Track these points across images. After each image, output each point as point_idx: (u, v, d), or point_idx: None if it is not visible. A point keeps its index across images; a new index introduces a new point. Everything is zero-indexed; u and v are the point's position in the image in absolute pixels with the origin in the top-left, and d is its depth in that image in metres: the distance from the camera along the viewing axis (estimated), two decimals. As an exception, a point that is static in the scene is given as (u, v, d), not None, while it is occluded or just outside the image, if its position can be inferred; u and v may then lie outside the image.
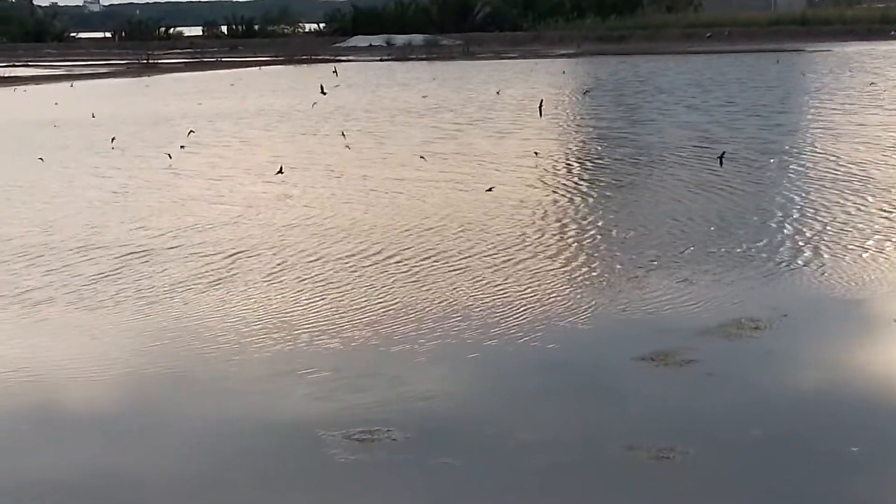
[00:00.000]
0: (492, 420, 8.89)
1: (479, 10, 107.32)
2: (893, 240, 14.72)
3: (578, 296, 12.51)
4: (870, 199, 17.71)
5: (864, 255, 13.93)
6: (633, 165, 22.85)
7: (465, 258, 14.43)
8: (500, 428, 8.68)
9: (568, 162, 23.91)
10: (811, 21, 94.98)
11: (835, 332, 10.99)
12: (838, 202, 17.49)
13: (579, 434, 8.52)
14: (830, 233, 15.27)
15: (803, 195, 18.34)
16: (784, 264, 13.66)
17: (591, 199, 18.91)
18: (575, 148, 26.75)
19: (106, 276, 14.01)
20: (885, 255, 13.89)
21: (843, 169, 20.93)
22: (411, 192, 19.85)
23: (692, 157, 23.55)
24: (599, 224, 16.56)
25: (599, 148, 26.05)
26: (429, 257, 14.55)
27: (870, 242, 14.62)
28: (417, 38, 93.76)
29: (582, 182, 21.01)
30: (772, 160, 22.51)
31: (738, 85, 43.14)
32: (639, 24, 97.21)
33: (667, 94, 40.27)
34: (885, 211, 16.67)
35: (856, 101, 34.46)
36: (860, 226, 15.66)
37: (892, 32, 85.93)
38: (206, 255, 15.01)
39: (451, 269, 13.89)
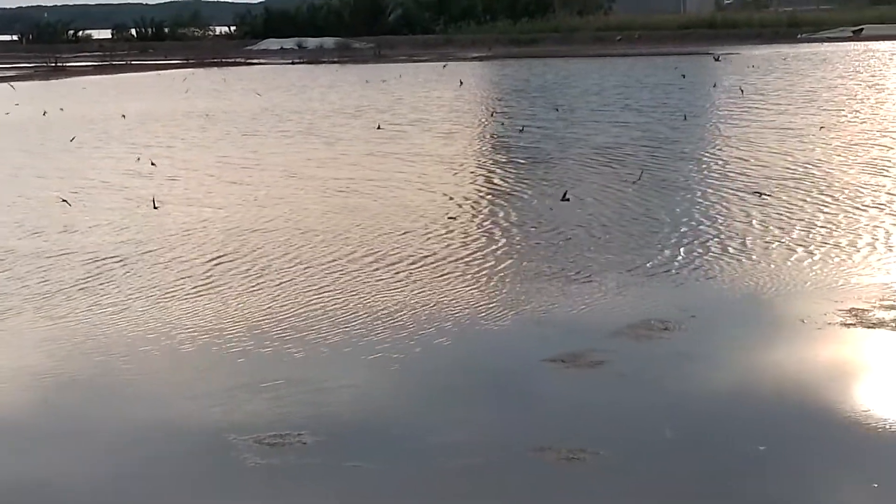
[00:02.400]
0: (403, 423, 8.88)
1: (392, 13, 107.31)
2: (801, 239, 14.87)
3: (489, 298, 12.52)
4: (779, 199, 17.88)
5: (773, 256, 14.06)
6: (551, 167, 22.90)
7: (376, 261, 14.41)
8: (412, 431, 8.67)
9: (491, 163, 23.96)
10: (720, 25, 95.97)
11: (743, 333, 11.08)
12: (748, 204, 17.64)
13: (489, 436, 8.53)
14: (739, 234, 15.40)
15: (714, 197, 18.49)
16: (692, 265, 13.77)
17: (508, 201, 18.93)
18: (502, 148, 26.84)
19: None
20: (793, 255, 14.03)
21: (753, 171, 21.12)
22: (331, 192, 19.81)
23: (613, 161, 23.66)
24: (515, 226, 16.59)
25: (528, 148, 26.17)
26: (343, 260, 14.51)
27: (777, 242, 14.77)
28: (329, 41, 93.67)
29: (502, 183, 21.04)
30: (687, 163, 22.69)
31: (663, 88, 43.49)
32: (550, 27, 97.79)
33: (598, 96, 40.58)
34: (792, 211, 16.84)
35: (777, 104, 34.85)
36: (769, 226, 15.81)
37: (800, 36, 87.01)
38: (117, 259, 14.88)
39: (364, 271, 13.86)
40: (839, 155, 22.89)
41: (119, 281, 13.73)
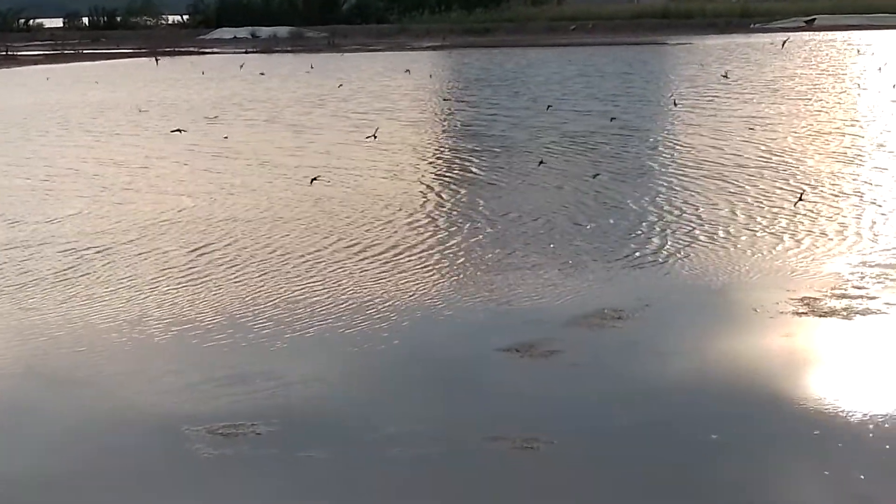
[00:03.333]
0: (356, 413, 8.87)
1: (345, 2, 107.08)
2: (754, 230, 14.94)
3: (444, 289, 12.52)
4: (732, 189, 17.97)
5: (726, 245, 14.12)
6: (518, 155, 22.95)
7: (332, 252, 14.39)
8: (365, 421, 8.66)
9: (460, 151, 24.00)
10: (673, 15, 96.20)
11: (696, 322, 11.13)
12: (703, 193, 17.72)
13: (443, 426, 8.53)
14: (693, 224, 15.45)
15: (668, 187, 18.55)
16: (647, 255, 13.81)
17: (471, 191, 18.96)
18: (469, 137, 26.85)
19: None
20: (745, 245, 14.09)
21: (709, 160, 21.22)
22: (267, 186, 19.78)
23: (571, 149, 23.73)
24: (477, 216, 16.58)
25: (497, 136, 26.22)
26: (295, 251, 14.49)
27: (731, 232, 14.83)
28: (282, 31, 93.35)
29: (466, 173, 21.08)
30: (655, 152, 22.78)
31: (624, 77, 43.65)
32: (504, 17, 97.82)
33: (560, 85, 40.66)
34: (747, 201, 16.91)
35: (741, 93, 35.00)
36: (723, 216, 15.88)
37: (752, 26, 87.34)
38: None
39: (317, 262, 13.84)
40: (811, 144, 23.04)
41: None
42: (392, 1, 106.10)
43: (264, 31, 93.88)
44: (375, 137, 23.57)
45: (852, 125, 26.18)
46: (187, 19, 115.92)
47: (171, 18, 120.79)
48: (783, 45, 56.52)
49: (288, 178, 20.62)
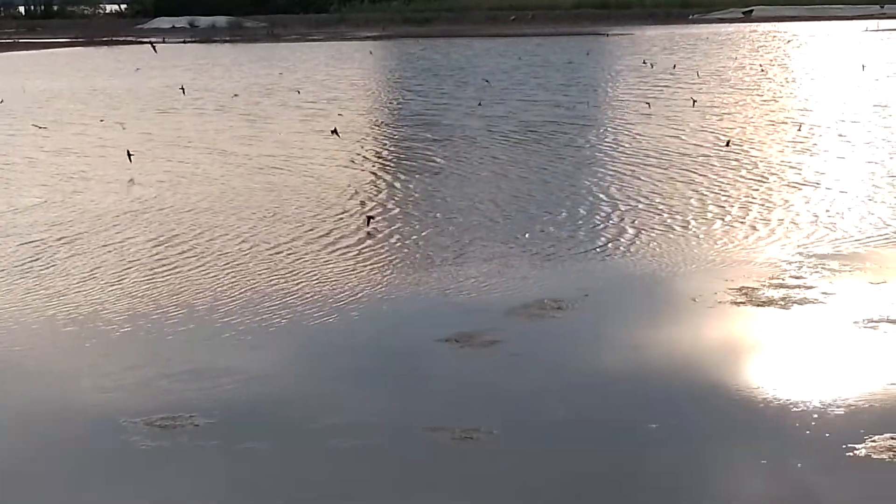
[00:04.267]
0: (298, 404, 8.84)
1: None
2: (694, 220, 15.02)
3: (386, 280, 12.50)
4: (676, 179, 18.08)
5: (667, 235, 14.18)
6: (449, 146, 22.96)
7: (274, 243, 14.34)
8: (307, 412, 8.64)
9: (399, 141, 24.03)
10: (612, 5, 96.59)
11: (636, 312, 11.17)
12: (647, 183, 17.82)
13: (384, 416, 8.51)
14: (635, 214, 15.51)
15: (613, 177, 18.62)
16: (587, 245, 13.84)
17: (402, 183, 18.96)
18: (420, 125, 26.86)
19: None
20: (686, 235, 14.16)
21: (655, 149, 21.39)
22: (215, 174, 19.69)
23: (520, 138, 23.81)
24: (417, 207, 16.59)
25: (447, 126, 26.28)
26: (240, 241, 14.43)
27: (673, 222, 14.90)
28: (221, 20, 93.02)
29: (394, 165, 21.10)
30: (593, 142, 22.91)
31: (572, 66, 43.82)
32: (444, 7, 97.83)
33: (506, 74, 40.78)
34: (686, 192, 17.00)
35: (690, 82, 35.24)
36: (665, 206, 15.95)
37: (691, 17, 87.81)
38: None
39: (259, 253, 13.78)
40: (756, 133, 23.24)
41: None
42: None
43: (203, 21, 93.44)
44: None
45: (799, 115, 26.44)
46: (125, 9, 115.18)
47: (108, 8, 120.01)
48: (726, 35, 56.90)
49: (245, 166, 20.57)
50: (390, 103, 32.68)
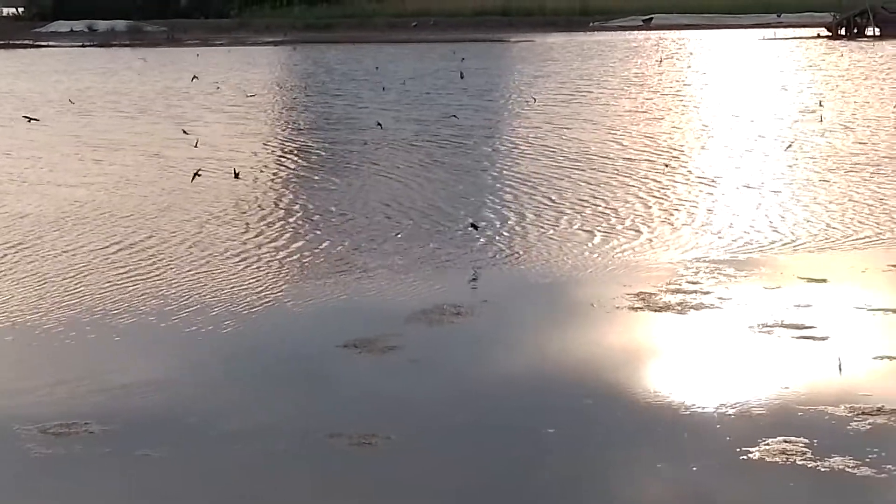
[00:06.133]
0: (197, 410, 8.78)
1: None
2: (595, 225, 15.12)
3: (284, 284, 12.48)
4: (576, 184, 18.20)
5: (566, 241, 14.26)
6: (353, 152, 22.97)
7: (170, 245, 14.25)
8: (203, 418, 8.58)
9: (293, 149, 23.95)
10: (513, 12, 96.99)
11: (534, 317, 11.23)
12: (547, 189, 17.91)
13: (282, 422, 8.49)
14: (534, 219, 15.59)
15: (514, 182, 18.71)
16: (487, 251, 13.89)
17: (311, 186, 18.98)
18: (303, 135, 26.86)
19: None
20: (585, 240, 14.25)
21: (561, 155, 21.52)
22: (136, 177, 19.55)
23: (430, 141, 23.88)
24: (311, 212, 16.56)
25: (331, 130, 26.29)
26: (133, 245, 14.32)
27: (572, 228, 14.99)
28: (120, 24, 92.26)
29: (305, 168, 21.13)
30: (501, 147, 23.04)
31: (486, 72, 44.07)
32: (345, 13, 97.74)
33: (414, 80, 40.87)
34: (587, 198, 17.11)
35: (611, 88, 35.56)
36: (563, 211, 16.05)
37: (592, 24, 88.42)
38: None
39: (155, 256, 13.69)
40: (663, 140, 23.49)
41: None
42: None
43: (102, 25, 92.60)
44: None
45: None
46: (22, 12, 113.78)
47: (5, 10, 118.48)
48: (634, 42, 57.51)
49: (178, 170, 20.64)
50: (312, 107, 32.71)
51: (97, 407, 8.79)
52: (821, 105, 29.77)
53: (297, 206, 17.07)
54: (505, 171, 19.85)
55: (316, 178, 19.83)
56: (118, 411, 8.72)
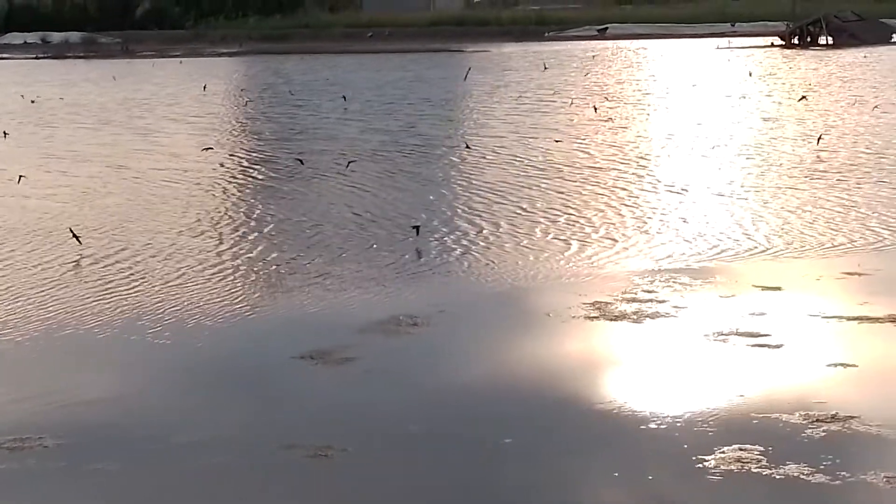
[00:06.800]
0: (151, 423, 8.73)
1: (139, 6, 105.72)
2: (552, 234, 15.14)
3: (238, 294, 12.44)
4: (532, 194, 18.23)
5: (522, 250, 14.28)
6: (318, 162, 22.96)
7: (125, 257, 14.19)
8: (159, 431, 8.53)
9: (244, 160, 23.94)
10: (468, 22, 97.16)
11: (491, 327, 11.24)
12: (503, 198, 17.93)
13: (237, 434, 8.45)
14: (491, 229, 15.60)
15: (471, 192, 18.72)
16: (443, 261, 13.89)
17: (275, 196, 18.96)
18: (246, 145, 26.84)
19: None
20: (541, 249, 14.27)
21: (519, 165, 21.55)
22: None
23: (384, 153, 23.89)
24: (267, 223, 16.52)
25: (276, 145, 26.30)
26: (89, 255, 14.25)
27: (528, 237, 15.01)
28: (75, 36, 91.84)
29: (260, 180, 21.12)
30: (461, 154, 23.10)
31: (445, 83, 44.17)
32: (301, 24, 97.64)
33: (378, 90, 40.99)
34: (543, 206, 17.14)
35: (573, 97, 35.66)
36: (520, 221, 16.07)
37: (547, 34, 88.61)
38: None
39: (110, 268, 13.63)
40: (621, 149, 23.57)
41: None
42: (187, 7, 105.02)
43: (56, 37, 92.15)
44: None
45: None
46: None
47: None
48: (593, 52, 57.76)
49: (144, 181, 20.69)
50: (276, 118, 32.79)
51: (51, 422, 8.73)
52: (780, 113, 29.96)
53: (254, 217, 17.03)
54: (465, 181, 19.87)
55: (282, 188, 19.81)
56: (72, 426, 8.66)
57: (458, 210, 17.05)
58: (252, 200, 18.78)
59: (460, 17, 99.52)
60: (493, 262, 13.74)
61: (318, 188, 19.68)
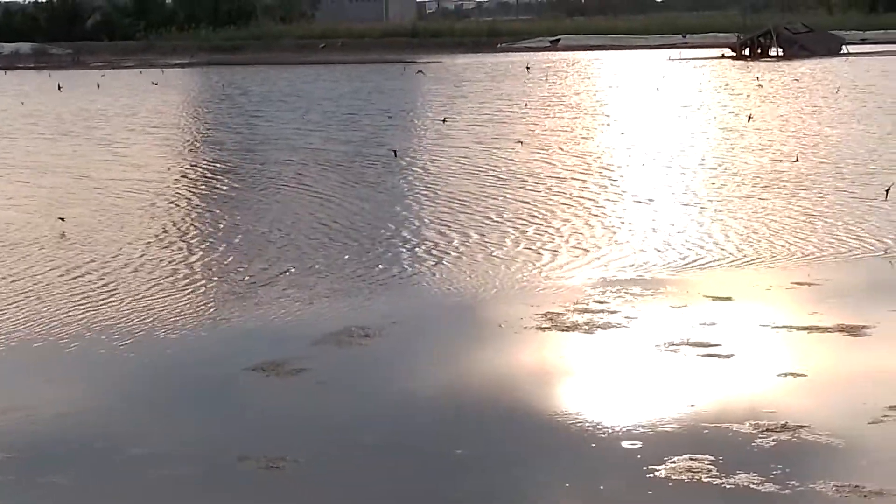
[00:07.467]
0: (101, 435, 8.70)
1: (90, 18, 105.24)
2: (503, 245, 15.17)
3: (190, 306, 12.41)
4: (484, 205, 18.26)
5: (474, 262, 14.31)
6: (265, 173, 22.98)
7: (82, 268, 14.14)
8: (110, 442, 8.51)
9: (207, 171, 23.90)
10: (421, 33, 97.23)
11: (444, 338, 11.27)
12: (455, 210, 17.95)
13: (191, 446, 8.45)
14: (443, 241, 15.62)
15: (424, 203, 18.75)
16: (395, 272, 13.90)
17: (213, 210, 18.88)
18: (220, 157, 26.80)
19: None
20: (494, 261, 14.30)
21: (474, 175, 21.61)
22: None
23: (344, 164, 23.95)
24: (217, 235, 16.50)
25: (237, 153, 26.31)
26: (37, 265, 14.19)
27: (480, 249, 15.04)
28: (25, 47, 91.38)
29: (214, 191, 21.10)
30: (417, 165, 23.18)
31: (401, 94, 44.30)
32: (253, 35, 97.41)
33: (331, 102, 41.05)
34: (495, 217, 17.18)
35: (538, 109, 35.76)
36: (473, 233, 16.09)
37: (500, 45, 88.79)
38: None
39: (66, 278, 13.57)
40: (571, 158, 23.69)
41: None
42: (138, 17, 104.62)
43: (6, 48, 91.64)
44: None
45: (624, 138, 27.19)
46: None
47: None
48: (548, 64, 57.89)
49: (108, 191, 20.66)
50: (236, 128, 32.84)
51: (2, 434, 8.69)
52: (736, 124, 30.12)
53: (204, 229, 16.99)
54: (418, 193, 19.88)
55: (225, 201, 19.79)
56: (23, 439, 8.63)
57: (408, 223, 17.06)
58: (210, 209, 18.77)
59: (413, 29, 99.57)
60: (446, 274, 13.77)
61: (278, 197, 19.74)
